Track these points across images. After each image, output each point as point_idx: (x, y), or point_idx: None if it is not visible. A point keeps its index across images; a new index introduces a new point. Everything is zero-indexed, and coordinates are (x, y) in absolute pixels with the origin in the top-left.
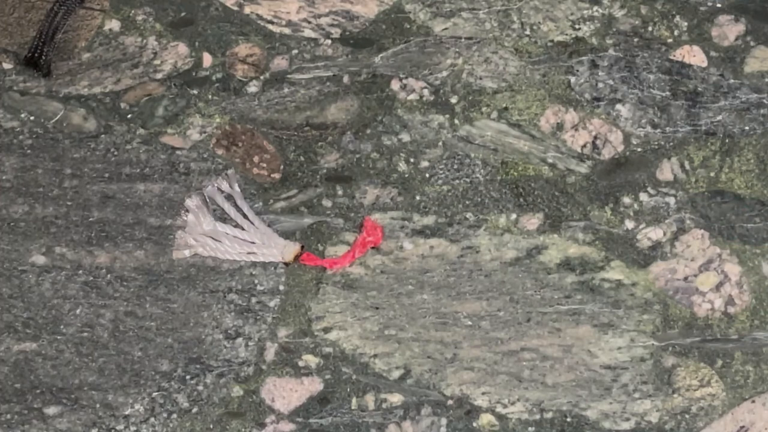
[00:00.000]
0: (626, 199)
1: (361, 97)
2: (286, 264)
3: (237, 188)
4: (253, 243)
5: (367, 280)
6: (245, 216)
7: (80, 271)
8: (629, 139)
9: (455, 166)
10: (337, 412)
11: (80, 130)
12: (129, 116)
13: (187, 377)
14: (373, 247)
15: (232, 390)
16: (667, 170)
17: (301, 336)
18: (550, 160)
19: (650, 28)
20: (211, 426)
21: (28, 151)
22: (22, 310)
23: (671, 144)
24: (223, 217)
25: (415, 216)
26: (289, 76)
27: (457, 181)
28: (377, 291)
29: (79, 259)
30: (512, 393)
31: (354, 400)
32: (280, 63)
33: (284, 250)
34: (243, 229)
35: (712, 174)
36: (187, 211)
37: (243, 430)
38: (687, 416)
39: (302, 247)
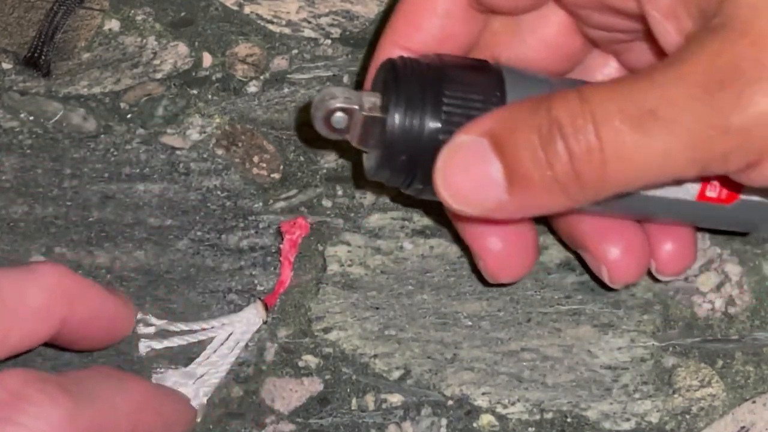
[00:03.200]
0: None
1: None
2: (265, 322)
3: (155, 320)
4: (224, 329)
5: (367, 280)
6: (191, 330)
7: (80, 271)
8: None
9: None
10: (337, 412)
11: (80, 130)
12: (129, 116)
13: None
14: (306, 237)
15: (232, 390)
16: None
17: (301, 336)
18: None
19: None
20: (211, 426)
21: (28, 151)
22: None
23: None
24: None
25: (415, 216)
26: (289, 76)
27: None
28: (377, 291)
29: (79, 259)
30: (512, 393)
31: (354, 401)
32: (280, 63)
33: (257, 314)
34: (203, 334)
35: None
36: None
37: (243, 430)
38: (687, 416)
39: (260, 298)
